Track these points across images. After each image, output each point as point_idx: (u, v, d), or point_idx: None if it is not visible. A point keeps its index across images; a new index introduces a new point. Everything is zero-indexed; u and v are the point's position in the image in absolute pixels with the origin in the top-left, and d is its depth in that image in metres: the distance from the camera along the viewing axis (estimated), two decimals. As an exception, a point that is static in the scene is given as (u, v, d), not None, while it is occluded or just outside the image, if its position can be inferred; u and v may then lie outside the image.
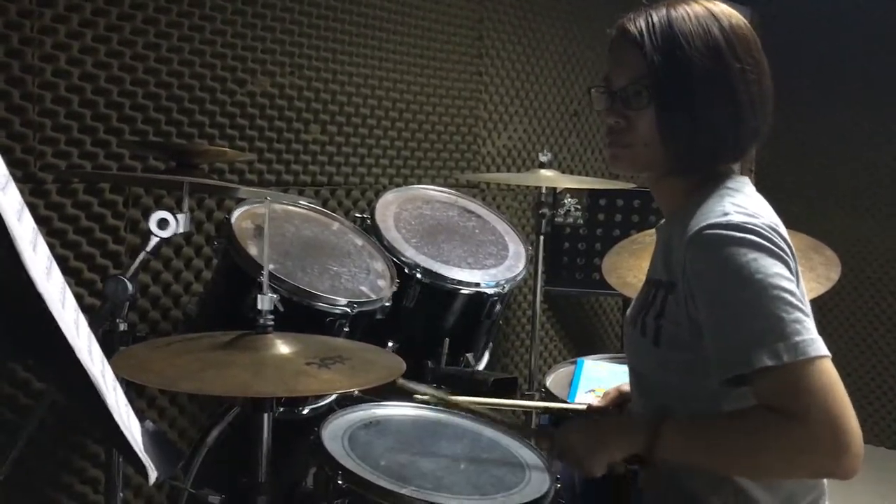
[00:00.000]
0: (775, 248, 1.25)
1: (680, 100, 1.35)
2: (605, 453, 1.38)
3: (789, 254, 1.28)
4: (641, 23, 1.36)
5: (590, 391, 2.18)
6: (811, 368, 1.19)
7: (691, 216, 1.34)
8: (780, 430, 1.20)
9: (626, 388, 1.65)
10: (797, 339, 1.19)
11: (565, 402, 1.96)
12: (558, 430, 1.47)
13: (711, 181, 1.41)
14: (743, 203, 1.33)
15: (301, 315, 1.93)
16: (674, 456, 1.32)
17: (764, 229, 1.26)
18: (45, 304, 0.84)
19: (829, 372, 1.20)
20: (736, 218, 1.27)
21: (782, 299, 1.21)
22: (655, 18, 1.36)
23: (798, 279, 1.30)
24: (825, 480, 1.43)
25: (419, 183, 2.97)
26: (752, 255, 1.24)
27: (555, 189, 3.30)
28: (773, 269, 1.23)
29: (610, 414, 1.77)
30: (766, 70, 1.40)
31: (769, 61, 1.41)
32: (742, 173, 1.47)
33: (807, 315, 1.23)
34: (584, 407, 1.84)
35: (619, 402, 1.77)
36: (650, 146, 1.39)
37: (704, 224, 1.28)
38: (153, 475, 0.98)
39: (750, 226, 1.26)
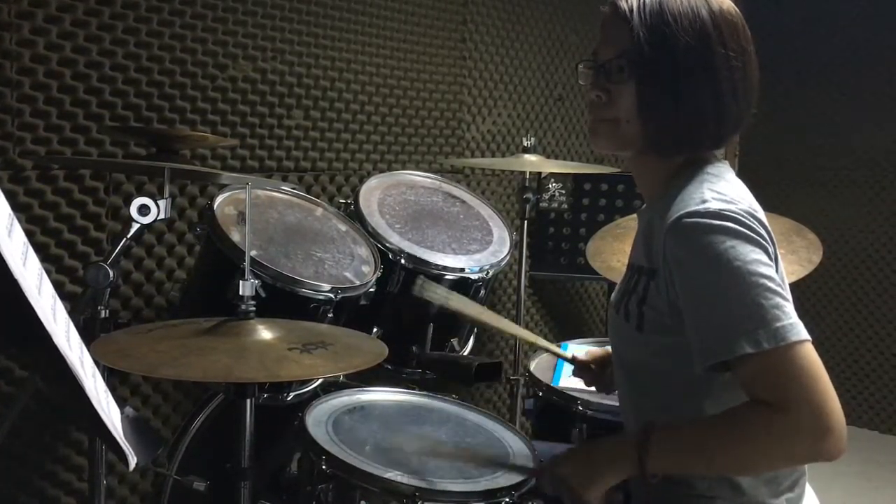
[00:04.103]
0: (753, 235, 1.26)
1: (661, 77, 1.35)
2: (598, 483, 1.37)
3: (768, 239, 1.29)
4: None
5: (573, 375, 2.19)
6: (792, 353, 1.20)
7: (671, 202, 1.35)
8: (765, 423, 1.21)
9: None
10: (777, 324, 1.20)
11: (556, 350, 1.99)
12: (548, 464, 1.45)
13: (692, 166, 1.41)
14: (722, 190, 1.33)
15: (285, 301, 1.92)
16: (665, 470, 1.32)
17: (742, 216, 1.27)
18: (20, 290, 0.84)
19: (809, 356, 1.21)
20: (714, 205, 1.28)
21: (761, 285, 1.22)
22: None
23: (777, 263, 1.30)
24: (806, 462, 1.44)
25: (403, 168, 2.96)
26: (730, 242, 1.24)
27: (539, 174, 3.30)
28: (751, 256, 1.24)
29: (590, 371, 1.82)
30: (752, 59, 1.40)
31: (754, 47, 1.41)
32: (726, 157, 1.47)
33: (786, 300, 1.24)
34: (570, 356, 1.88)
35: (602, 362, 1.80)
36: (630, 123, 1.39)
37: (683, 212, 1.29)
38: (133, 461, 0.98)
39: (728, 213, 1.27)
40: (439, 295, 1.90)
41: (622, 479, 1.37)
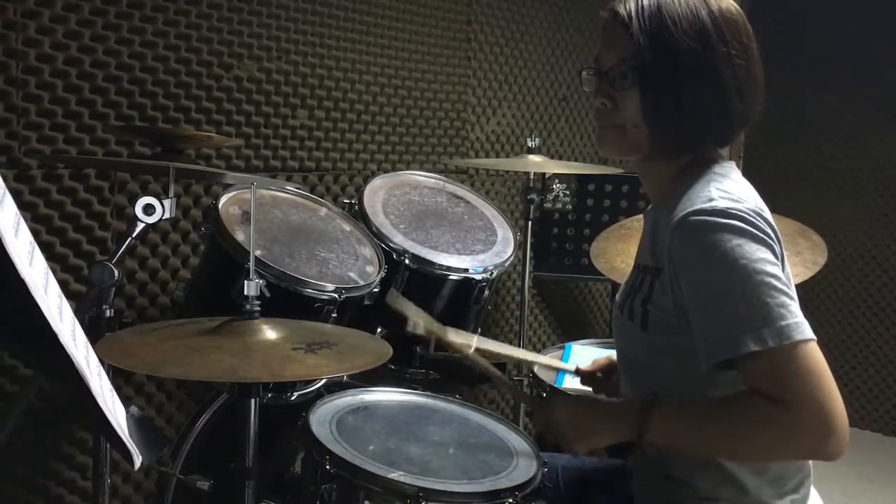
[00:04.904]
0: (759, 233, 1.26)
1: (665, 81, 1.35)
2: (592, 439, 1.39)
3: (774, 238, 1.29)
4: (631, 4, 1.37)
5: (581, 384, 2.18)
6: (796, 352, 1.20)
7: (678, 201, 1.35)
8: (767, 416, 1.21)
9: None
10: (782, 323, 1.20)
11: (558, 365, 1.98)
12: (547, 404, 1.46)
13: (698, 166, 1.41)
14: (728, 188, 1.33)
15: (289, 301, 1.92)
16: (662, 441, 1.33)
17: (748, 214, 1.27)
18: (27, 289, 0.84)
19: (814, 355, 1.21)
20: (720, 203, 1.28)
21: (767, 284, 1.22)
22: (646, 1, 1.36)
23: (783, 263, 1.31)
24: (810, 462, 1.44)
25: (407, 168, 2.96)
26: (737, 240, 1.24)
27: (543, 174, 3.30)
28: (757, 255, 1.24)
29: (596, 379, 1.81)
30: (754, 56, 1.40)
31: (757, 44, 1.41)
32: (730, 158, 1.47)
33: (792, 299, 1.24)
34: (573, 369, 1.88)
35: (607, 370, 1.80)
36: (637, 128, 1.39)
37: (689, 210, 1.29)
38: (137, 460, 0.98)
39: (734, 211, 1.27)
40: (411, 311, 1.81)
41: (617, 441, 1.38)
